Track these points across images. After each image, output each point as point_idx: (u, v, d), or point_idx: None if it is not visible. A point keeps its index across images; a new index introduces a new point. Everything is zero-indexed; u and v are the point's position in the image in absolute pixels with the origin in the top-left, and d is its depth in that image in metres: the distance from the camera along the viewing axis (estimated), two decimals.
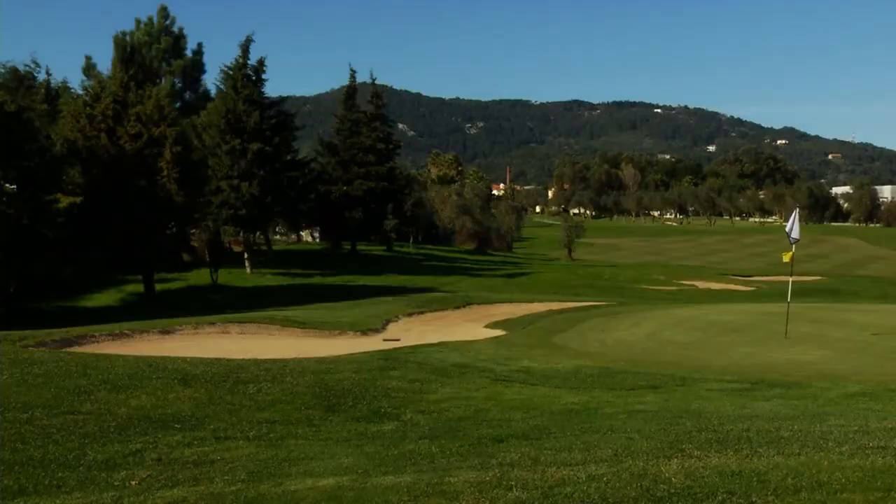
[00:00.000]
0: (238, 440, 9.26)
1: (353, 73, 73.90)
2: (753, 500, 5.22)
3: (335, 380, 14.09)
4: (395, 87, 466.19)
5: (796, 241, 25.39)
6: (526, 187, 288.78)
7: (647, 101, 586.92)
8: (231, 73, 57.28)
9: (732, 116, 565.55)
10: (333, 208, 67.60)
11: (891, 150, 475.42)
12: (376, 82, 76.21)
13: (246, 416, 11.04)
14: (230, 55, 64.49)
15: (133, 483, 7.08)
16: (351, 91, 74.92)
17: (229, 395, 12.53)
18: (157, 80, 60.83)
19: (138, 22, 63.25)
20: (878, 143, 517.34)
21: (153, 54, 62.72)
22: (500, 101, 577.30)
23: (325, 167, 70.24)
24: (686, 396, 13.05)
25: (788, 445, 7.25)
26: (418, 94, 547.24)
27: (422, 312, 32.00)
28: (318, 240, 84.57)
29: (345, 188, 68.96)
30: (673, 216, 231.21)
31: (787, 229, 25.84)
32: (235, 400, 12.21)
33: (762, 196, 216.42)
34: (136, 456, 8.32)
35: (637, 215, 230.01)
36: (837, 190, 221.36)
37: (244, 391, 12.82)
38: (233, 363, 15.41)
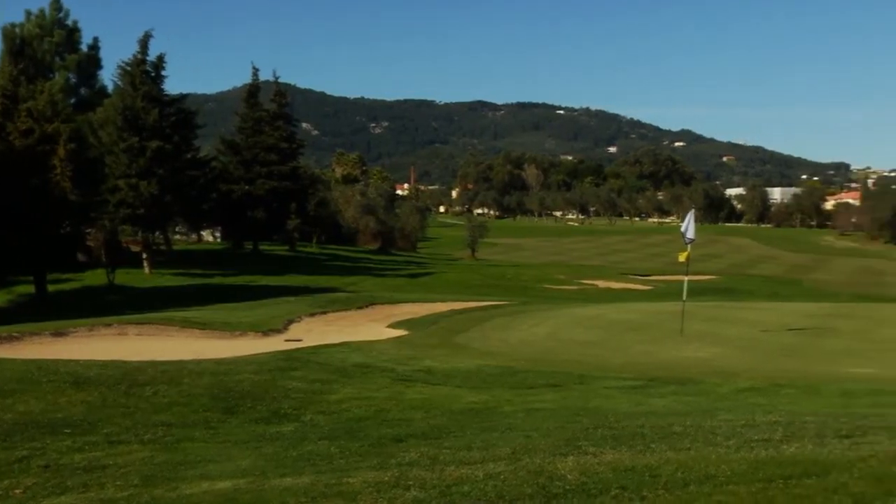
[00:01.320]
0: (132, 444, 9.04)
1: (255, 72, 72.93)
2: (644, 494, 5.33)
3: (234, 381, 13.89)
4: (298, 85, 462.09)
5: (692, 241, 26.00)
6: (430, 187, 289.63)
7: (550, 102, 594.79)
8: (129, 68, 55.79)
9: (632, 118, 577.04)
10: (235, 208, 66.54)
11: (780, 154, 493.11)
12: (279, 81, 75.33)
13: (141, 420, 10.78)
14: (129, 51, 62.73)
15: (17, 492, 6.84)
16: (253, 89, 73.85)
17: (124, 397, 12.22)
18: (50, 75, 58.90)
19: (28, 14, 60.94)
20: (769, 147, 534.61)
21: (45, 48, 60.55)
22: (405, 101, 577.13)
23: (227, 166, 69.11)
24: (585, 394, 13.27)
25: (680, 440, 7.43)
26: (322, 94, 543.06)
27: (324, 312, 31.79)
28: (219, 240, 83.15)
29: (247, 187, 67.98)
30: (575, 216, 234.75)
31: (682, 229, 26.45)
32: (130, 403, 11.91)
33: (661, 197, 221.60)
34: (22, 463, 8.02)
35: (540, 215, 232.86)
36: (731, 191, 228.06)
37: (140, 394, 12.52)
38: (129, 365, 15.04)
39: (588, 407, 11.64)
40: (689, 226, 25.97)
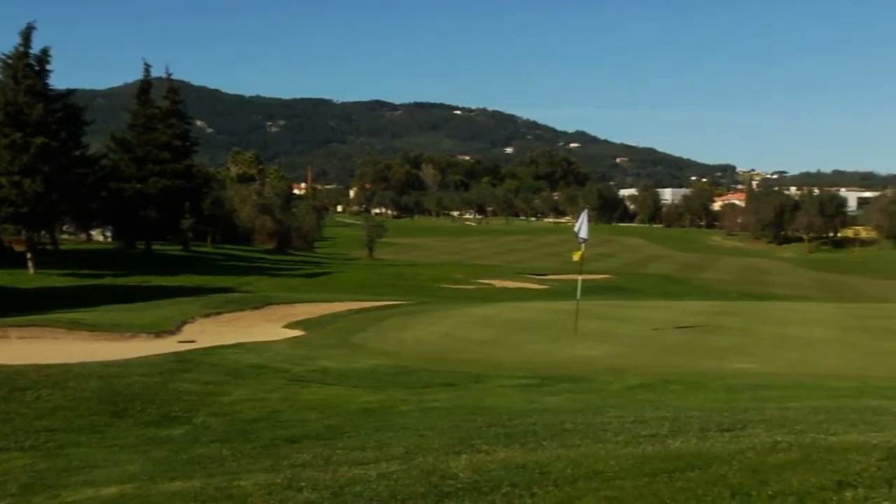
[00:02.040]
0: (11, 451, 8.74)
1: (147, 68, 71.19)
2: (535, 491, 5.40)
3: (123, 384, 13.56)
4: (193, 83, 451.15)
5: (585, 240, 26.50)
6: (328, 187, 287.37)
7: (448, 102, 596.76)
8: (11, 62, 53.83)
9: (529, 119, 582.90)
10: (127, 206, 64.88)
11: (671, 155, 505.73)
12: (172, 77, 73.79)
13: (22, 425, 10.43)
14: (10, 43, 60.39)
15: None
16: (145, 86, 72.09)
17: (3, 403, 11.80)
18: None
19: None
20: (661, 149, 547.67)
21: None
22: (302, 100, 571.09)
23: (119, 164, 67.35)
24: (480, 393, 13.39)
25: (571, 437, 7.56)
26: (217, 91, 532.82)
27: (219, 313, 31.29)
28: (110, 239, 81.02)
29: (139, 186, 66.33)
30: (472, 216, 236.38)
31: (575, 230, 26.94)
32: (10, 408, 11.51)
33: (556, 197, 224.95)
34: None
35: (437, 215, 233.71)
36: (624, 192, 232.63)
37: (21, 398, 12.11)
38: (9, 369, 14.51)
39: (483, 405, 11.75)
40: (582, 226, 26.45)
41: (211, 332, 26.07)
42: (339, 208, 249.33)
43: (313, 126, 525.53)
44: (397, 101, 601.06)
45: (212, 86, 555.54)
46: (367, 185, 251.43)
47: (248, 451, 8.14)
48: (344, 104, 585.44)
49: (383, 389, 13.81)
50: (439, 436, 8.28)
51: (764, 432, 6.94)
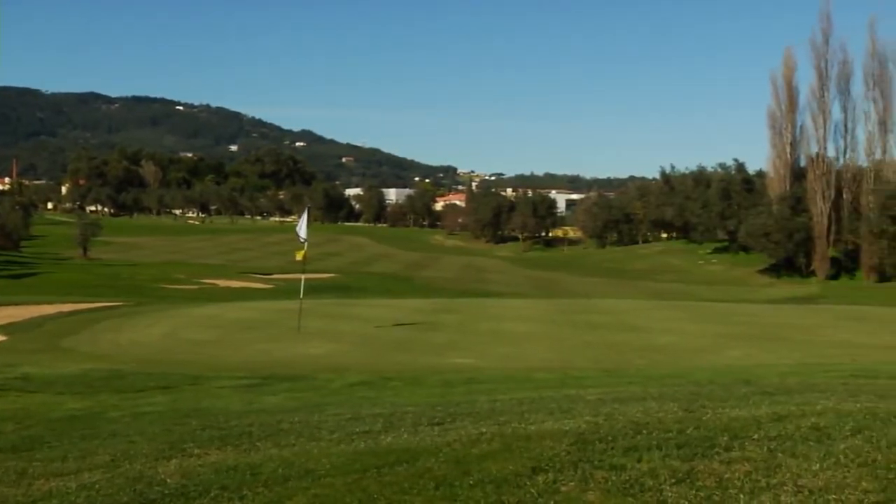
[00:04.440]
0: None
1: None
2: (245, 492, 5.34)
3: None
4: None
5: (304, 240, 26.70)
6: (36, 182, 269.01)
7: (169, 97, 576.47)
8: None
9: (254, 117, 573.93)
10: None
11: (395, 156, 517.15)
12: None
13: None
14: None
15: None
16: None
17: None
18: None
19: None
20: (385, 149, 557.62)
21: None
22: (6, 89, 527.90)
23: None
24: (197, 395, 13.06)
25: (286, 437, 7.53)
26: None
27: None
28: None
29: None
30: (195, 215, 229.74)
31: (297, 229, 27.08)
32: None
33: (282, 196, 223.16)
34: None
35: (159, 213, 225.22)
36: (350, 192, 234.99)
37: None
38: None
39: (199, 408, 11.45)
40: (302, 225, 26.69)
41: None
42: (50, 205, 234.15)
43: (18, 117, 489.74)
44: (114, 95, 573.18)
45: None
46: (82, 182, 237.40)
47: None
48: (54, 95, 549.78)
49: (93, 395, 13.13)
50: (149, 441, 7.97)
51: (471, 425, 7.23)
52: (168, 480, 5.80)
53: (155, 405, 11.96)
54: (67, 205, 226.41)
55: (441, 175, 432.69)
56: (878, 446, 5.42)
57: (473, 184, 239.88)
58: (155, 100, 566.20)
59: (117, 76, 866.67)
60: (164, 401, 12.45)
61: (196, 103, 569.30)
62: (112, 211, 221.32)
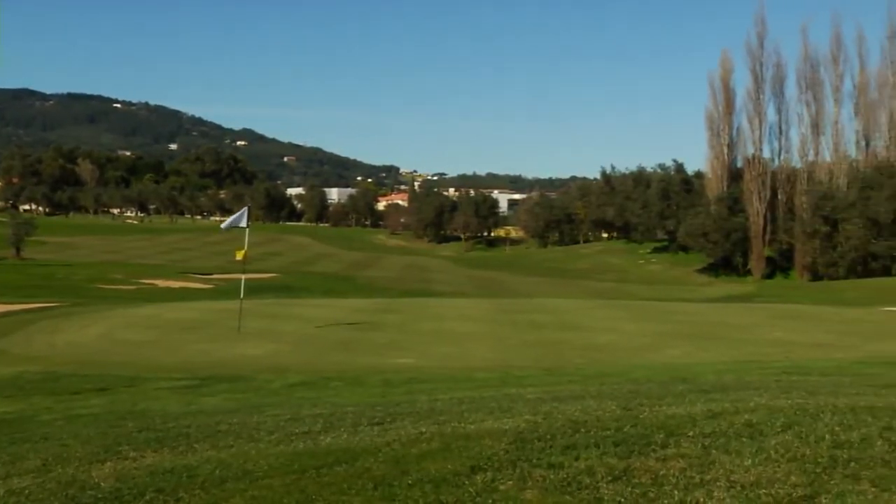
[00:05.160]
0: None
1: None
2: (181, 495, 5.27)
3: None
4: None
5: (227, 230, 27.32)
6: None
7: (107, 95, 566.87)
8: None
9: (194, 116, 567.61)
10: None
11: (337, 155, 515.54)
12: None
13: None
14: None
15: None
16: None
17: None
18: None
19: None
20: (327, 149, 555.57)
21: None
22: None
23: None
24: (133, 397, 12.87)
25: (224, 438, 7.44)
26: None
27: None
28: None
29: None
30: (134, 214, 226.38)
31: (230, 222, 27.20)
32: None
33: (223, 195, 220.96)
34: None
35: (96, 213, 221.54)
36: (292, 191, 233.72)
37: None
38: None
39: (136, 410, 11.28)
40: (233, 219, 26.90)
41: None
42: None
43: None
44: (48, 91, 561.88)
45: None
46: (15, 180, 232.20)
47: None
48: None
49: (25, 398, 12.86)
50: (83, 444, 7.83)
51: (411, 424, 7.23)
52: (102, 484, 5.71)
53: (90, 407, 11.77)
54: (0, 203, 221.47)
55: (383, 175, 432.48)
56: (807, 441, 5.54)
57: (416, 184, 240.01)
58: (92, 97, 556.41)
59: (52, 72, 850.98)
60: (100, 403, 12.25)
61: (134, 101, 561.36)
62: (47, 210, 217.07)
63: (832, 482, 4.72)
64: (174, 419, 9.71)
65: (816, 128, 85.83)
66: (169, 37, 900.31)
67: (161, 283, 62.35)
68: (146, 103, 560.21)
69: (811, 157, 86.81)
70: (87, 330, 26.40)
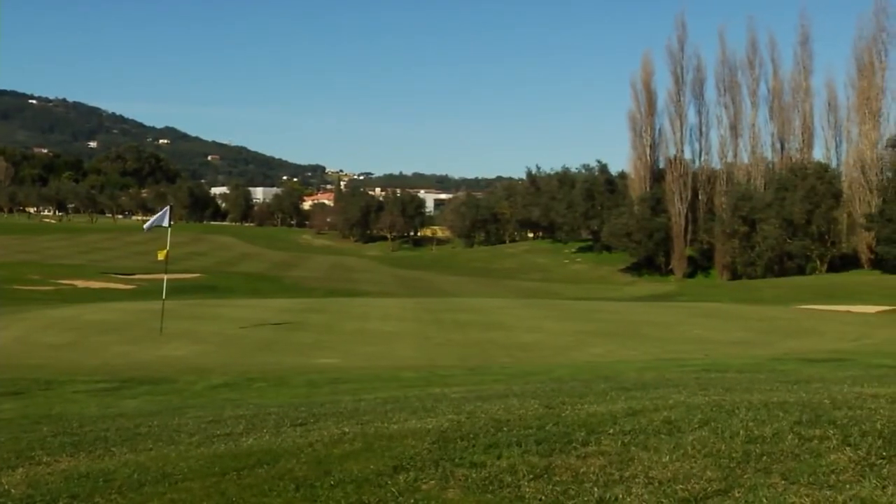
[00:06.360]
0: None
1: None
2: (97, 500, 5.16)
3: None
4: None
5: (149, 230, 27.08)
6: None
7: (21, 90, 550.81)
8: None
9: (114, 113, 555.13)
10: None
11: (263, 155, 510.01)
12: None
13: None
14: None
15: None
16: None
17: None
18: None
19: None
20: (252, 148, 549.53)
21: None
22: None
23: None
24: (49, 401, 12.55)
25: (143, 441, 7.32)
26: None
27: None
28: None
29: None
30: (52, 213, 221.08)
31: (153, 222, 26.87)
32: None
33: (145, 194, 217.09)
34: None
35: (11, 211, 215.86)
36: (216, 190, 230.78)
37: None
38: None
39: (51, 414, 11.00)
40: (155, 220, 26.68)
41: None
42: None
43: None
44: None
45: None
46: None
47: None
48: None
49: None
50: None
51: (334, 425, 7.20)
52: (12, 491, 5.56)
53: (2, 412, 11.44)
54: None
55: (309, 174, 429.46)
56: (723, 437, 5.66)
57: (342, 183, 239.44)
58: (5, 92, 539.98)
59: None
60: (13, 407, 11.91)
61: (51, 97, 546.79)
62: None
63: (745, 476, 4.83)
64: (92, 423, 9.50)
65: (735, 130, 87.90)
66: (88, 32, 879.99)
67: (81, 283, 61.04)
68: (64, 99, 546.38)
69: (730, 159, 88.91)
70: (1, 333, 25.68)
